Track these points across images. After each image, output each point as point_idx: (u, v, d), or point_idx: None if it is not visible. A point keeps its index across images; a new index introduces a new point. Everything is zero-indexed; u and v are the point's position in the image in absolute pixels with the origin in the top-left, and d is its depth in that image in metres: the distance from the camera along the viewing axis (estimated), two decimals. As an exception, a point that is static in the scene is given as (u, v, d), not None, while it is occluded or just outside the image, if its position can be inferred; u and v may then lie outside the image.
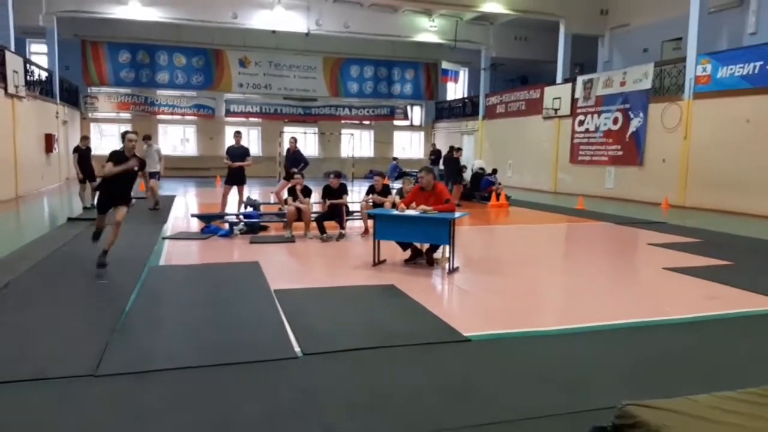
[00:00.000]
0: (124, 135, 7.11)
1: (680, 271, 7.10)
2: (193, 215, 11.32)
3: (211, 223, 9.74)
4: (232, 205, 11.46)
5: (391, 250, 7.62)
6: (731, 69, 13.76)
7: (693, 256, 8.05)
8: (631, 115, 16.81)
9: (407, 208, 7.28)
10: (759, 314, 5.31)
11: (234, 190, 11.17)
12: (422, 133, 30.59)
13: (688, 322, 5.08)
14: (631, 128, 16.84)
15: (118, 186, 6.79)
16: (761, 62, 13.03)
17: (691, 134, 14.75)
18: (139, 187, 10.89)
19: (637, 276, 7.48)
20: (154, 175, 12.49)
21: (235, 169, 11.06)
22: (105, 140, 24.80)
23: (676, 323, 5.02)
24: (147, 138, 12.70)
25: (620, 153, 17.28)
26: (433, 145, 23.74)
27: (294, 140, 12.23)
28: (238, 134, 11.59)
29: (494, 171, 17.19)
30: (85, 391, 3.40)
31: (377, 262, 7.27)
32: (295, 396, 3.40)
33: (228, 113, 27.26)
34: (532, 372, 3.84)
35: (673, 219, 12.45)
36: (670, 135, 15.37)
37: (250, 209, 10.80)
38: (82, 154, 12.26)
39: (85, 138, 13.07)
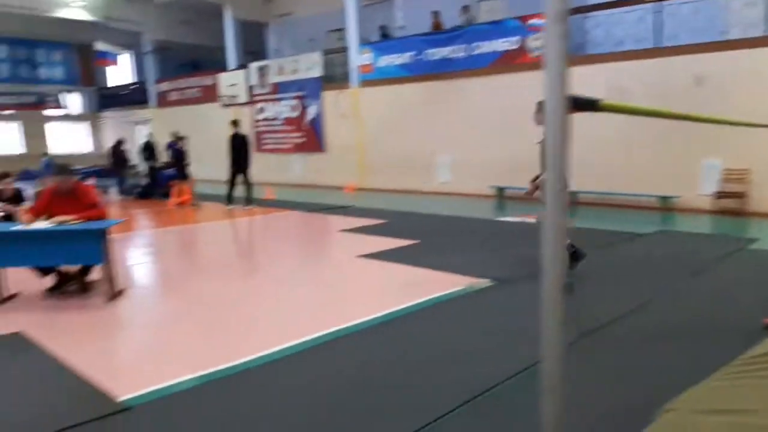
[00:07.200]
0: None
1: (374, 257, 6.85)
2: None
3: None
4: None
5: (26, 278, 5.65)
6: (390, 58, 14.74)
7: (383, 239, 7.97)
8: (307, 103, 16.85)
9: (37, 220, 5.35)
10: (455, 296, 5.19)
11: None
12: (87, 124, 26.08)
13: (390, 319, 4.62)
14: (309, 115, 16.88)
15: None
16: (413, 52, 14.23)
17: (363, 120, 15.42)
18: None
19: (331, 269, 6.94)
20: None
21: None
22: None
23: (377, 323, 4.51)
24: None
25: (303, 140, 17.20)
26: (151, 134, 19.31)
27: None
28: None
29: (179, 139, 13.93)
30: None
31: (3, 300, 5.30)
32: None
33: None
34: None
35: (359, 202, 12.71)
36: (345, 121, 15.85)
37: None
38: None
39: None
